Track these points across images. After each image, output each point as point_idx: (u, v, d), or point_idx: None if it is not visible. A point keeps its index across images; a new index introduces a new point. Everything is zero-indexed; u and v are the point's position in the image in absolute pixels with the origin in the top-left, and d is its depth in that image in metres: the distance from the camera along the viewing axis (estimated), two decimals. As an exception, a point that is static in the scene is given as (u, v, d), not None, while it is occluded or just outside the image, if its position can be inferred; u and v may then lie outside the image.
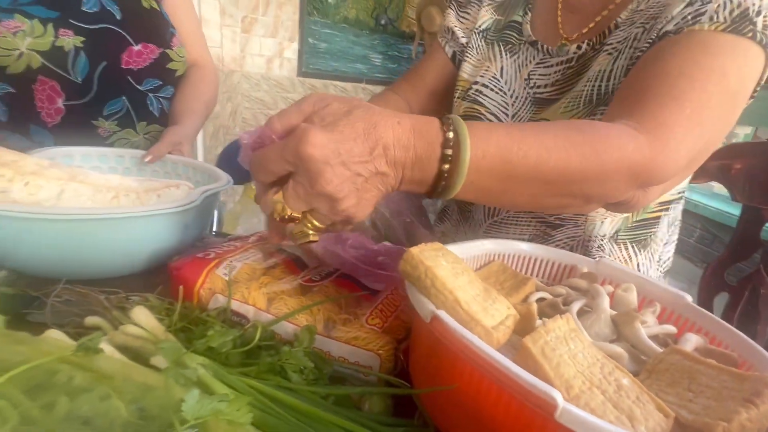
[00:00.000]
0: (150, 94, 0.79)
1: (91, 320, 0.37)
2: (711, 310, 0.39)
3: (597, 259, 0.46)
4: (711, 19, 0.44)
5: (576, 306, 0.38)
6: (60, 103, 0.69)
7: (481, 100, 0.64)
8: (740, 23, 0.43)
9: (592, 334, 0.36)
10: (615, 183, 0.39)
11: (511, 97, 0.63)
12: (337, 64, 2.53)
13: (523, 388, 0.23)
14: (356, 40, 2.53)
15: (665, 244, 0.66)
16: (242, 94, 2.40)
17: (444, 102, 0.73)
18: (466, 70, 0.68)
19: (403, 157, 0.34)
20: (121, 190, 0.51)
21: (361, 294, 0.43)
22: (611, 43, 0.55)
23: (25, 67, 0.64)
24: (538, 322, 0.35)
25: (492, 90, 0.64)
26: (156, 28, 0.77)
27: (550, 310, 0.39)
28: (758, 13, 0.43)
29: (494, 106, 0.64)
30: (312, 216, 0.35)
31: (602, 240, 0.60)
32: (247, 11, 2.27)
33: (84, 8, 0.68)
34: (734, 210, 1.73)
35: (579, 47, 0.58)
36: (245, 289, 0.41)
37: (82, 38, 0.67)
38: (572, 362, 0.27)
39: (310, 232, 0.35)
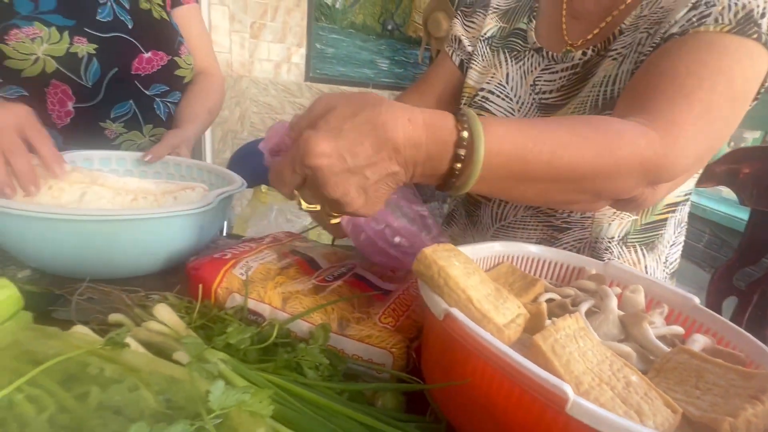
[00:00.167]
0: (157, 99, 0.82)
1: (114, 317, 0.39)
2: (720, 314, 0.40)
3: (605, 261, 0.47)
4: (716, 21, 0.45)
5: (584, 306, 0.39)
6: (70, 106, 0.72)
7: (487, 106, 0.66)
8: (745, 25, 0.44)
9: (600, 334, 0.37)
10: (626, 179, 0.40)
11: (517, 103, 0.64)
12: (344, 68, 2.56)
13: (535, 382, 0.24)
14: (363, 45, 2.56)
15: (672, 245, 0.66)
16: (250, 99, 2.44)
17: (452, 109, 0.74)
18: (472, 77, 0.69)
19: (414, 155, 0.33)
20: (140, 192, 0.53)
21: (374, 294, 0.44)
22: (616, 49, 0.56)
23: (40, 71, 0.67)
24: (548, 322, 0.36)
25: (498, 96, 0.65)
26: (165, 37, 0.81)
27: (559, 310, 0.40)
28: (763, 15, 0.44)
29: (500, 112, 0.65)
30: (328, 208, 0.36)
31: (610, 242, 0.61)
32: (256, 17, 2.30)
33: (98, 17, 0.71)
34: (742, 214, 1.72)
35: (584, 53, 0.59)
36: (261, 288, 0.43)
37: (95, 45, 0.70)
38: (582, 359, 0.28)
39: (332, 220, 0.37)
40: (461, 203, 0.75)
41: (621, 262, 0.48)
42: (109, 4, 0.73)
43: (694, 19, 0.46)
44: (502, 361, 0.26)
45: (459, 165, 0.34)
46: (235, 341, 0.36)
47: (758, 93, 0.48)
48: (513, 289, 0.42)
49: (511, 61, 0.66)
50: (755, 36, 0.44)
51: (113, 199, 0.52)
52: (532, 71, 0.64)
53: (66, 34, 0.67)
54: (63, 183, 0.51)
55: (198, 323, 0.39)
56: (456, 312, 0.29)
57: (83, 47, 0.69)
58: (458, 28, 0.72)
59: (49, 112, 0.71)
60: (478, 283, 0.33)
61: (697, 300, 0.41)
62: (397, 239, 0.45)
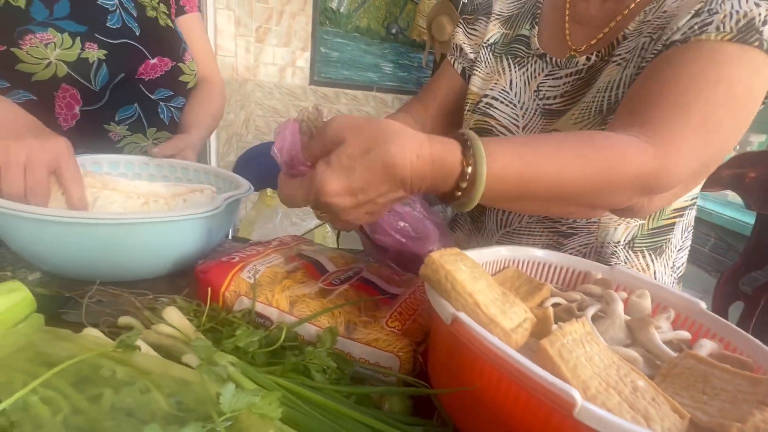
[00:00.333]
0: (161, 103, 0.84)
1: (124, 320, 0.39)
2: (726, 319, 0.40)
3: (611, 265, 0.47)
4: (718, 29, 0.45)
5: (591, 311, 0.39)
6: (77, 109, 0.73)
7: (491, 112, 0.66)
8: (746, 33, 0.44)
9: (606, 338, 0.37)
10: (623, 193, 0.42)
11: (521, 109, 0.65)
12: (348, 72, 2.57)
13: (543, 387, 0.24)
14: (367, 49, 2.57)
15: (679, 250, 0.66)
16: (255, 103, 2.45)
17: (455, 116, 0.74)
18: (476, 83, 0.70)
19: (419, 184, 0.36)
20: (150, 196, 0.54)
21: (380, 297, 0.44)
22: (620, 54, 0.56)
23: (51, 75, 0.69)
24: (554, 326, 0.36)
25: (502, 103, 0.66)
26: (170, 44, 0.83)
27: (565, 315, 0.40)
28: (764, 23, 0.44)
29: (504, 118, 0.65)
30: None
31: (616, 247, 0.61)
32: (261, 21, 2.32)
33: (108, 24, 0.73)
34: (748, 218, 1.71)
35: (588, 58, 0.59)
36: (269, 291, 0.43)
37: (105, 51, 0.72)
38: (589, 364, 0.28)
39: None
40: None
41: (627, 267, 0.48)
42: (118, 11, 0.75)
43: (696, 27, 0.46)
44: (509, 366, 0.26)
45: (459, 193, 0.37)
46: (243, 344, 0.36)
47: (765, 99, 0.48)
48: (519, 294, 0.42)
49: (515, 68, 0.66)
50: (757, 44, 0.44)
51: (125, 203, 0.53)
52: (535, 77, 0.64)
53: (78, 39, 0.69)
54: None
55: (206, 326, 0.40)
56: (463, 316, 0.29)
57: (94, 53, 0.71)
58: (460, 36, 0.73)
59: (56, 116, 0.73)
60: (485, 288, 0.33)
61: (703, 305, 0.41)
62: (401, 224, 0.47)
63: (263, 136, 2.51)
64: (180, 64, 0.84)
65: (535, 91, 0.64)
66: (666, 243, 0.63)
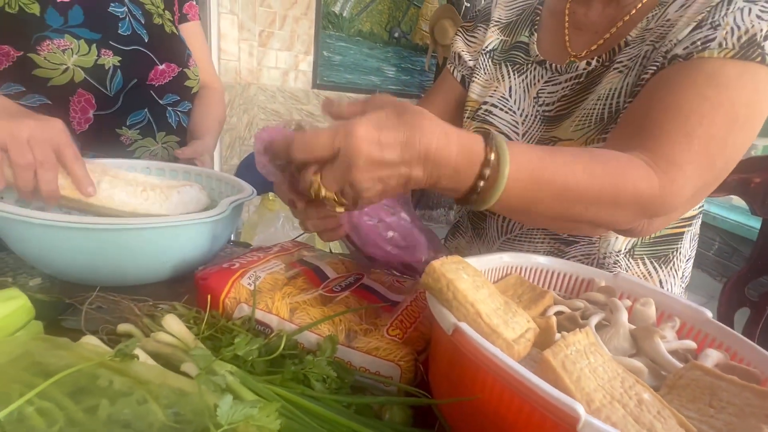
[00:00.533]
0: (169, 108, 0.86)
1: (123, 327, 0.39)
2: (732, 326, 0.39)
3: (615, 273, 0.46)
4: (720, 45, 0.45)
5: (594, 320, 0.38)
6: (91, 113, 0.75)
7: (490, 119, 0.66)
8: (748, 49, 0.44)
9: (611, 348, 0.36)
10: (625, 213, 0.43)
11: (521, 116, 0.64)
12: (351, 76, 2.58)
13: (546, 401, 0.24)
14: (370, 53, 2.58)
15: (687, 259, 0.65)
16: (258, 106, 2.46)
17: (456, 125, 0.74)
18: (475, 90, 0.69)
19: (442, 167, 0.36)
20: (147, 185, 0.55)
21: (381, 305, 0.44)
22: (621, 61, 0.55)
23: (68, 80, 0.71)
24: (557, 336, 0.35)
25: (501, 110, 0.65)
26: (176, 50, 0.85)
27: (569, 323, 0.40)
28: (766, 38, 0.44)
29: (504, 125, 0.65)
30: (341, 196, 0.37)
31: (617, 255, 0.60)
32: (264, 25, 2.33)
33: (120, 31, 0.75)
34: (753, 222, 1.70)
35: (588, 63, 0.59)
36: (269, 299, 0.43)
37: (119, 58, 0.75)
38: (593, 376, 0.28)
39: (337, 208, 0.39)
40: (466, 215, 0.75)
41: (630, 275, 0.48)
42: (127, 18, 0.77)
43: (699, 43, 0.46)
44: (511, 378, 0.25)
45: (482, 183, 0.36)
46: (242, 353, 0.36)
47: None
48: (522, 301, 0.41)
49: (514, 75, 0.66)
50: (759, 59, 0.44)
51: (125, 188, 0.53)
52: (535, 84, 0.64)
53: (94, 46, 0.71)
54: None
55: (206, 334, 0.39)
56: (465, 326, 0.29)
57: (109, 59, 0.73)
58: (459, 45, 0.73)
59: (71, 120, 0.74)
60: (486, 297, 0.32)
61: (709, 314, 0.40)
62: (390, 233, 0.47)
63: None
64: (185, 70, 0.86)
65: (534, 98, 0.63)
66: (673, 252, 0.63)
